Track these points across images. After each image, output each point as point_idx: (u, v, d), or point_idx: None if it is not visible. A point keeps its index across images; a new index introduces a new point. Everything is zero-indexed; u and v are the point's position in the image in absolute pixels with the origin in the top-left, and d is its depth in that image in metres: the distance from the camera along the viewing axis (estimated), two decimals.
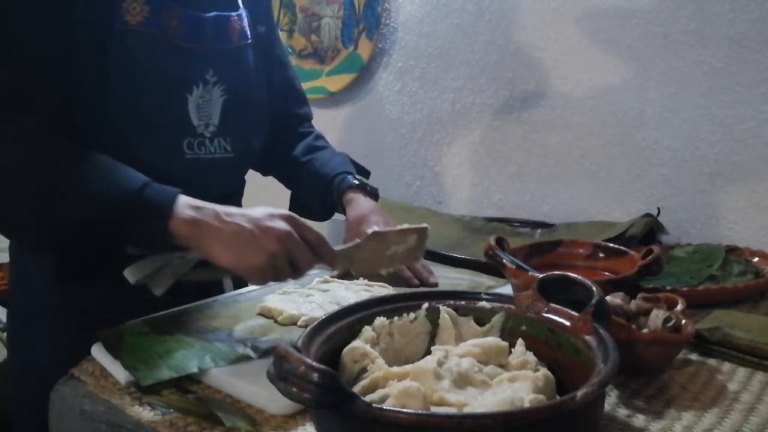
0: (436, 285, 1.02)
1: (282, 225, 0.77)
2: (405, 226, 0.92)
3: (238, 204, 1.14)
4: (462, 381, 0.59)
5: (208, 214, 0.79)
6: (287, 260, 0.77)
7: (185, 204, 0.79)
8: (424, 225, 0.94)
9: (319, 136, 1.25)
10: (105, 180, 0.81)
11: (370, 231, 0.88)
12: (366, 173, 1.22)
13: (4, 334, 1.62)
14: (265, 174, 1.26)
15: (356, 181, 1.13)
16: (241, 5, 1.03)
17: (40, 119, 0.83)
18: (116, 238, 0.82)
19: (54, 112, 0.85)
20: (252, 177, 1.15)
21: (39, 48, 0.83)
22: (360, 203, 1.10)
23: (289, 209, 1.25)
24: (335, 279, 1.03)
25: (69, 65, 0.85)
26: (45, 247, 0.85)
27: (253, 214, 0.78)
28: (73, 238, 0.80)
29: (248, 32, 1.03)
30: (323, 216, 1.23)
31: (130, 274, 0.84)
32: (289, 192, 1.26)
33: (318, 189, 1.16)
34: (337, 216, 1.24)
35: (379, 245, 0.90)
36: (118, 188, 0.80)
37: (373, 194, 1.14)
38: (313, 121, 1.28)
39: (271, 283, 0.83)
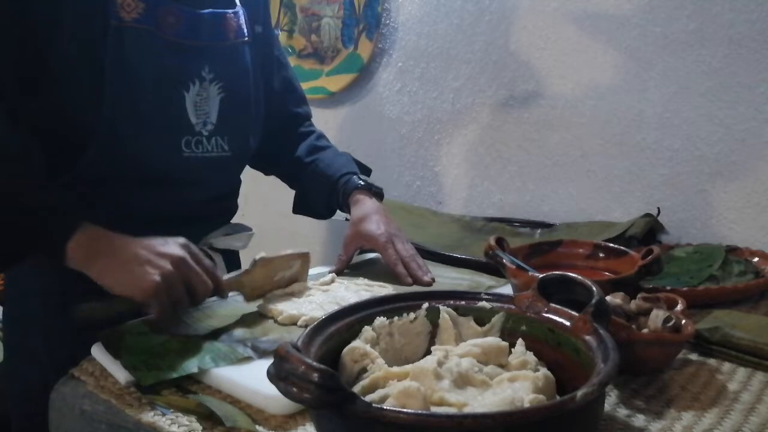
0: (431, 284, 1.02)
1: (176, 250, 0.80)
2: (289, 251, 0.96)
3: (235, 204, 1.15)
4: (462, 381, 0.59)
5: (106, 242, 0.80)
6: (182, 284, 0.78)
7: (90, 231, 0.80)
8: (306, 251, 0.99)
9: (321, 136, 1.25)
10: (30, 187, 0.83)
11: (257, 257, 0.91)
12: (368, 171, 1.22)
13: (1, 334, 1.62)
14: (267, 173, 1.26)
15: (362, 182, 1.13)
16: (238, 3, 1.03)
17: None
18: (17, 251, 0.83)
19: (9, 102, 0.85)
20: (253, 176, 1.15)
21: None
22: (364, 204, 1.11)
23: (293, 208, 1.25)
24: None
25: (46, 66, 0.85)
26: None
27: (149, 241, 0.81)
28: None
29: (245, 30, 1.03)
30: (326, 215, 1.23)
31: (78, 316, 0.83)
32: (291, 190, 1.26)
33: (323, 189, 1.16)
34: (338, 215, 1.24)
35: (266, 270, 0.93)
36: (35, 199, 0.82)
37: (379, 195, 1.14)
38: (313, 121, 1.28)
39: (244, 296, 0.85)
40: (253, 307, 0.92)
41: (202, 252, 0.84)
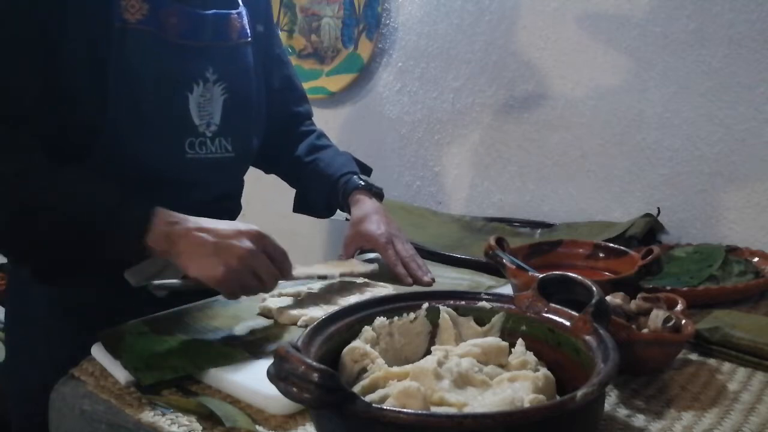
0: (431, 284, 1.02)
1: (245, 243, 0.81)
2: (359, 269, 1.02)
3: (238, 204, 1.14)
4: (462, 381, 0.59)
5: (180, 228, 0.81)
6: (251, 274, 0.81)
7: (160, 219, 0.81)
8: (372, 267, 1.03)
9: (322, 135, 1.25)
10: (79, 196, 0.82)
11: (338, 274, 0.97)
12: (368, 170, 1.22)
13: (2, 334, 1.62)
14: (267, 172, 1.26)
15: (362, 182, 1.13)
16: (240, 3, 1.03)
17: (11, 131, 0.83)
18: (93, 253, 0.83)
19: (28, 122, 0.85)
20: (254, 177, 1.15)
21: (11, 60, 0.84)
22: (364, 204, 1.11)
23: (293, 207, 1.25)
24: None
25: (54, 70, 0.85)
26: (24, 259, 0.91)
27: (222, 230, 0.81)
28: (50, 252, 0.84)
29: (248, 30, 1.03)
30: (326, 214, 1.23)
31: (131, 277, 0.85)
32: (290, 190, 1.26)
33: (323, 189, 1.16)
34: (338, 215, 1.24)
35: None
36: (93, 205, 0.82)
37: (379, 195, 1.14)
38: (313, 121, 1.28)
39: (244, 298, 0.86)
40: (253, 307, 0.92)
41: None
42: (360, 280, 1.02)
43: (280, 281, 0.85)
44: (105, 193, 0.83)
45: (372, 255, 1.17)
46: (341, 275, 0.97)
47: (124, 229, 0.81)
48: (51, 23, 0.84)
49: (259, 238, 0.82)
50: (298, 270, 0.89)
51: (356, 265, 1.02)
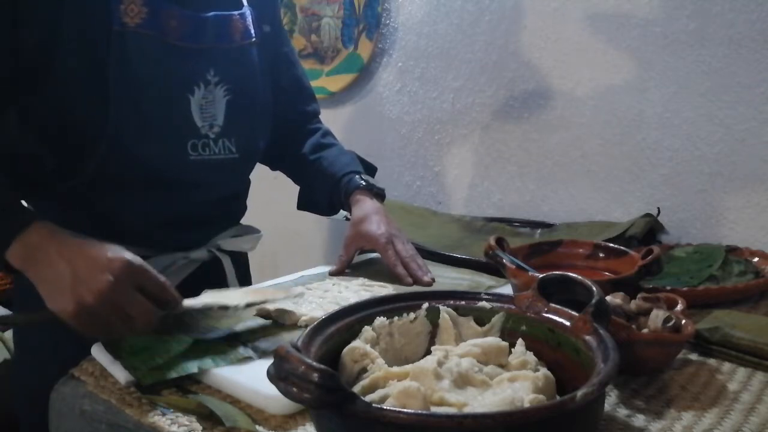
0: (431, 284, 1.02)
1: (105, 277, 0.73)
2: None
3: (243, 204, 1.15)
4: (462, 381, 0.59)
5: (42, 253, 0.76)
6: (113, 312, 0.73)
7: (33, 235, 0.77)
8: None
9: (327, 133, 1.25)
10: None
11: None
12: (373, 170, 1.22)
13: (5, 334, 1.62)
14: (273, 169, 1.26)
15: (363, 182, 1.13)
16: (245, 4, 1.03)
17: None
18: None
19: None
20: (255, 177, 1.15)
21: None
22: (365, 204, 1.11)
23: (297, 205, 1.25)
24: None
25: (50, 73, 0.85)
26: None
27: (85, 260, 0.75)
28: None
29: (252, 31, 1.03)
30: (329, 212, 1.23)
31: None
32: (293, 189, 1.26)
33: (326, 187, 1.16)
34: (339, 215, 1.24)
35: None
36: None
37: (380, 195, 1.14)
38: (320, 119, 1.28)
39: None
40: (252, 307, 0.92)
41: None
42: (359, 281, 1.02)
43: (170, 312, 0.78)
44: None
45: (372, 255, 1.17)
46: (248, 305, 0.84)
47: None
48: (47, 28, 0.84)
49: (127, 270, 0.74)
50: (197, 299, 0.82)
51: (272, 293, 0.89)
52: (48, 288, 0.76)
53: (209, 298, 0.83)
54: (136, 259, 0.76)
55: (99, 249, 0.76)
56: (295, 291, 0.90)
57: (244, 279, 1.13)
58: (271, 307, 0.89)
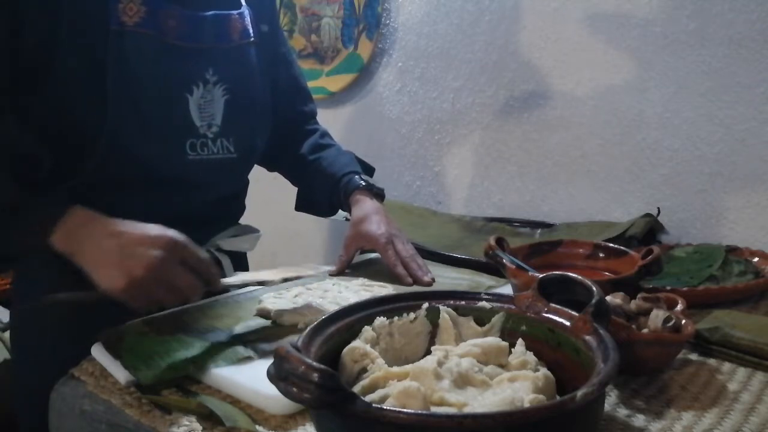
0: (431, 284, 1.02)
1: (152, 252, 0.75)
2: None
3: (242, 204, 1.15)
4: (462, 381, 0.59)
5: (87, 231, 0.78)
6: (161, 286, 0.76)
7: (74, 218, 0.79)
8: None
9: (325, 134, 1.25)
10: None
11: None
12: (371, 170, 1.23)
13: (5, 334, 1.62)
14: (270, 170, 1.26)
15: (363, 182, 1.13)
16: (243, 3, 1.03)
17: None
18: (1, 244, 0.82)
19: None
20: (255, 177, 1.15)
21: None
22: (365, 204, 1.11)
23: (296, 206, 1.25)
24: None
25: (48, 72, 0.85)
26: None
27: (131, 237, 0.77)
28: None
29: (251, 31, 1.03)
30: (328, 213, 1.23)
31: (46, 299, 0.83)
32: (292, 189, 1.26)
33: (325, 188, 1.16)
34: (338, 215, 1.24)
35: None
36: (9, 195, 0.81)
37: (380, 195, 1.14)
38: (317, 120, 1.28)
39: (247, 288, 0.81)
40: (253, 307, 0.92)
41: (208, 249, 0.81)
42: (359, 281, 1.02)
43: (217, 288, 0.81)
44: (22, 192, 0.82)
45: (372, 255, 1.17)
46: (284, 279, 0.88)
47: (31, 221, 0.79)
48: (44, 28, 0.84)
49: (172, 245, 0.77)
50: (235, 277, 0.84)
51: (304, 270, 0.94)
52: (96, 266, 0.77)
53: (244, 277, 0.86)
54: (179, 235, 0.78)
55: (142, 227, 0.79)
56: (323, 269, 0.94)
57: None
58: (271, 307, 0.89)
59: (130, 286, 0.75)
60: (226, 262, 1.07)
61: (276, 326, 0.86)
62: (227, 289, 0.83)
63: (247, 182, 1.13)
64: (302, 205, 1.25)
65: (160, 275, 0.76)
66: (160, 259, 0.76)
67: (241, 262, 1.14)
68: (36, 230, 0.79)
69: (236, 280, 0.86)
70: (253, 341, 0.81)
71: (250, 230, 1.14)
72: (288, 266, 0.95)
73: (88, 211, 0.80)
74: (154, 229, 0.78)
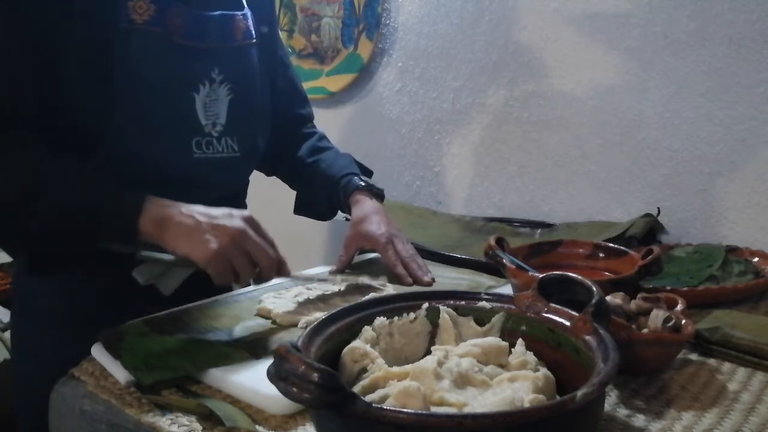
0: (431, 284, 1.02)
1: (237, 223, 0.81)
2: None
3: (243, 204, 1.15)
4: (462, 381, 0.59)
5: (171, 211, 0.82)
6: (244, 256, 0.80)
7: (153, 204, 0.82)
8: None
9: (323, 137, 1.25)
10: (77, 183, 0.84)
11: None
12: (369, 173, 1.23)
13: (5, 334, 1.62)
14: (268, 174, 1.26)
15: (362, 183, 1.13)
16: (245, 5, 1.03)
17: (20, 133, 0.85)
18: (87, 239, 0.84)
19: (33, 122, 0.86)
20: (255, 176, 1.15)
21: (14, 64, 0.85)
22: (365, 204, 1.11)
23: (294, 209, 1.25)
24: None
25: (55, 71, 0.85)
26: (20, 247, 0.92)
27: (213, 212, 0.82)
28: (45, 239, 0.84)
29: (253, 31, 1.03)
30: (328, 215, 1.23)
31: (139, 275, 0.86)
32: (291, 192, 1.26)
33: (324, 190, 1.16)
34: (338, 216, 1.24)
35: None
36: (88, 193, 0.83)
37: (379, 195, 1.14)
38: (313, 121, 1.28)
39: (247, 288, 0.85)
40: (253, 307, 0.92)
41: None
42: (360, 281, 1.02)
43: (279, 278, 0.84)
44: (101, 182, 0.84)
45: (372, 255, 1.17)
46: (344, 281, 0.96)
47: (118, 212, 0.81)
48: (55, 26, 0.84)
49: (251, 221, 0.82)
50: (302, 272, 0.89)
51: (365, 280, 1.00)
52: (185, 239, 0.80)
53: (309, 272, 0.93)
54: (254, 216, 0.84)
55: (221, 208, 0.84)
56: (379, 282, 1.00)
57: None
58: (271, 306, 0.89)
59: (218, 253, 0.78)
60: None
61: (277, 326, 0.86)
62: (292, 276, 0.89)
63: (248, 183, 1.13)
64: (301, 208, 1.25)
65: (244, 245, 0.80)
66: (243, 230, 0.80)
67: None
68: (125, 216, 0.81)
69: (303, 274, 0.91)
70: (253, 341, 0.81)
71: None
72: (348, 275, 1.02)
73: (161, 198, 0.84)
74: (232, 209, 0.83)
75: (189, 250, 0.79)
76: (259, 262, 0.81)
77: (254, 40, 1.04)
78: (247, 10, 1.03)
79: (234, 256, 0.79)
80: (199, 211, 0.82)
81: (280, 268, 0.84)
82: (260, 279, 0.83)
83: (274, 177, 1.27)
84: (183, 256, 0.80)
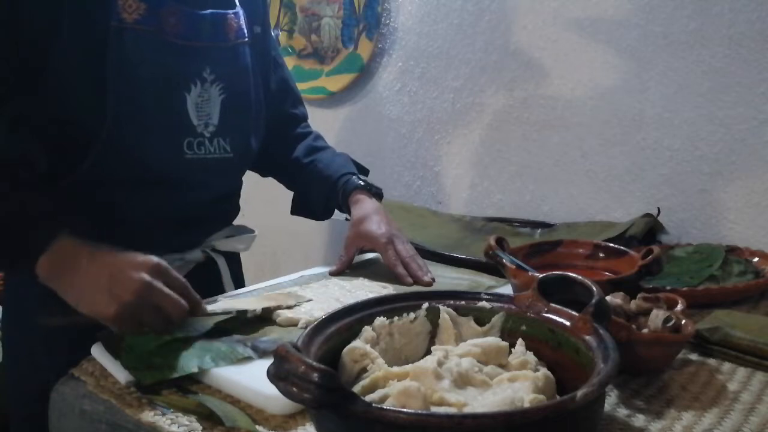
0: (431, 284, 1.02)
1: (141, 276, 0.77)
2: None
3: (236, 205, 1.14)
4: (462, 381, 0.59)
5: (72, 260, 0.79)
6: (151, 310, 0.77)
7: (60, 247, 0.80)
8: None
9: (318, 137, 1.25)
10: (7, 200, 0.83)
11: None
12: (365, 171, 1.22)
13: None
14: (263, 175, 1.26)
15: (361, 182, 1.13)
16: (237, 4, 1.03)
17: None
18: None
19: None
20: (253, 177, 1.15)
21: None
22: (365, 204, 1.11)
23: (291, 210, 1.25)
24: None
25: (45, 71, 0.85)
26: None
27: (117, 263, 0.78)
28: None
29: (245, 31, 1.03)
30: (325, 216, 1.23)
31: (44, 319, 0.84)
32: (290, 192, 1.26)
33: (322, 190, 1.16)
34: (337, 215, 1.24)
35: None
36: (8, 213, 0.82)
37: (378, 195, 1.14)
38: (313, 121, 1.28)
39: (247, 288, 0.82)
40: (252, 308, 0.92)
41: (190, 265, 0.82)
42: (359, 281, 1.02)
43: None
44: (29, 205, 0.83)
45: (372, 255, 1.17)
46: (264, 309, 0.87)
47: (19, 242, 0.80)
48: (44, 24, 0.84)
49: (156, 269, 0.78)
50: (216, 304, 0.86)
51: (284, 299, 0.92)
52: (83, 294, 0.78)
53: (225, 304, 0.86)
54: (162, 261, 0.80)
55: (129, 254, 0.80)
56: (305, 298, 0.93)
57: (237, 279, 1.13)
58: (276, 305, 0.89)
59: (121, 311, 0.76)
60: (221, 262, 1.07)
61: (276, 326, 0.86)
62: (207, 314, 0.84)
63: (241, 183, 1.13)
64: (298, 208, 1.25)
65: (148, 298, 0.77)
66: (147, 283, 0.77)
67: (235, 263, 1.14)
68: (23, 254, 0.80)
69: (217, 308, 0.85)
70: (253, 341, 0.81)
71: (245, 231, 1.14)
72: (269, 294, 0.95)
73: (75, 239, 0.81)
74: (140, 256, 0.79)
75: (90, 308, 0.77)
76: (169, 313, 0.78)
77: (246, 40, 1.03)
78: (239, 9, 1.03)
79: (141, 313, 0.77)
80: (105, 262, 0.78)
81: (194, 310, 0.82)
82: (171, 325, 0.80)
83: (271, 178, 1.27)
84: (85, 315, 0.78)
